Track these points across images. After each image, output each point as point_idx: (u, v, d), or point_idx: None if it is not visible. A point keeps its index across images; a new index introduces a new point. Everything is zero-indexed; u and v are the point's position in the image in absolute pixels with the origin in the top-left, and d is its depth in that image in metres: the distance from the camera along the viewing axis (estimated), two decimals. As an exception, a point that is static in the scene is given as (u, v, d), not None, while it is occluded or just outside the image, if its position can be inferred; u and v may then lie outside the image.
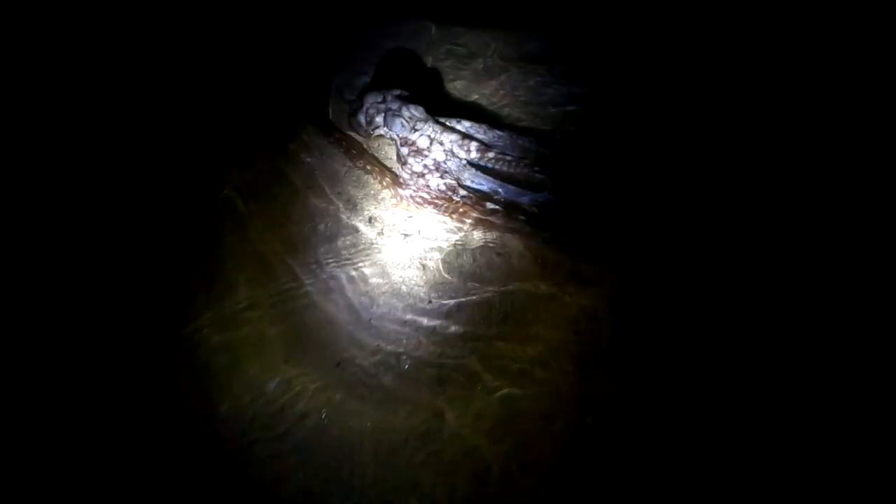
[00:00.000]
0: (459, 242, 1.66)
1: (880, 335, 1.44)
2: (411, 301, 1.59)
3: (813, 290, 1.51)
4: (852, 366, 1.41)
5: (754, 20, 2.01)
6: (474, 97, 1.94)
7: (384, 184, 1.77)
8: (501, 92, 1.93)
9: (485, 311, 1.55)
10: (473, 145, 1.71)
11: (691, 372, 1.43)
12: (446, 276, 1.62)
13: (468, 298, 1.57)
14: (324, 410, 1.45)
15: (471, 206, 1.68)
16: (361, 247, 1.68)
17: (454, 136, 1.71)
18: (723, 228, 1.62)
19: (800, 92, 1.85)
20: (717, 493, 1.32)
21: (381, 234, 1.70)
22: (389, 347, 1.52)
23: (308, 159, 1.84)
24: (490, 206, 1.66)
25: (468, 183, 1.69)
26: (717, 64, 1.93)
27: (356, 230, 1.71)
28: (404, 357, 1.51)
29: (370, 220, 1.72)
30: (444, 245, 1.66)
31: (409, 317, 1.57)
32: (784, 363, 1.43)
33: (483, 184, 1.68)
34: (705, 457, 1.35)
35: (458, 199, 1.69)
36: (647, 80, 1.92)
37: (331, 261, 1.66)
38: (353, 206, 1.75)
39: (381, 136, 1.77)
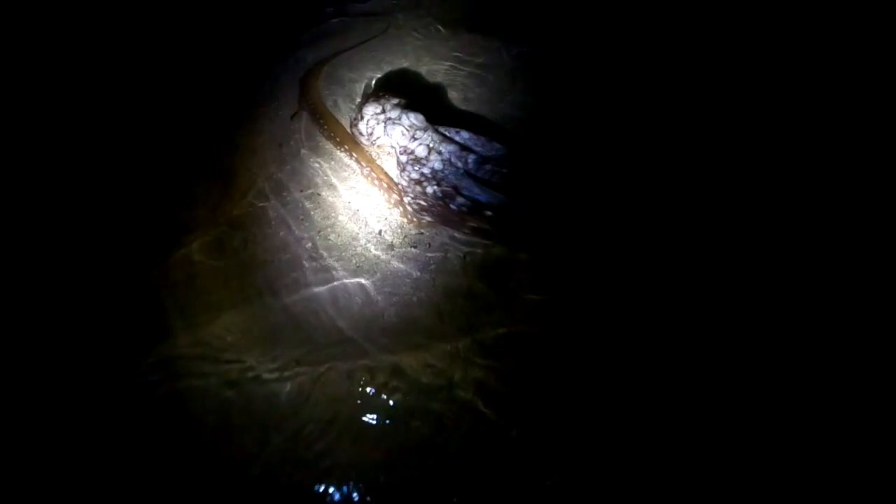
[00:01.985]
0: (465, 254, 1.71)
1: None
2: (422, 313, 1.61)
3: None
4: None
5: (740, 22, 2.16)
6: (474, 105, 1.99)
7: (385, 191, 1.79)
8: (500, 101, 1.99)
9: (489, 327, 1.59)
10: (471, 157, 1.75)
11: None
12: (454, 287, 1.65)
13: (475, 309, 1.61)
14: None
15: (467, 215, 1.70)
16: (372, 258, 1.70)
17: (453, 147, 1.75)
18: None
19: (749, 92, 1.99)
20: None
21: (391, 246, 1.72)
22: (408, 361, 1.53)
23: (315, 164, 1.86)
24: (487, 215, 1.70)
25: (465, 192, 1.73)
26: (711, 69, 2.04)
27: (366, 240, 1.73)
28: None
29: (380, 232, 1.75)
30: (452, 258, 1.70)
31: (420, 328, 1.59)
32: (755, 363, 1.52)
33: (479, 194, 1.73)
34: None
35: (455, 208, 1.71)
36: (644, 86, 2.01)
37: (342, 275, 1.67)
38: (362, 215, 1.78)
39: (382, 145, 1.81)
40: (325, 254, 1.70)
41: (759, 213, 1.74)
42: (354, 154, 1.84)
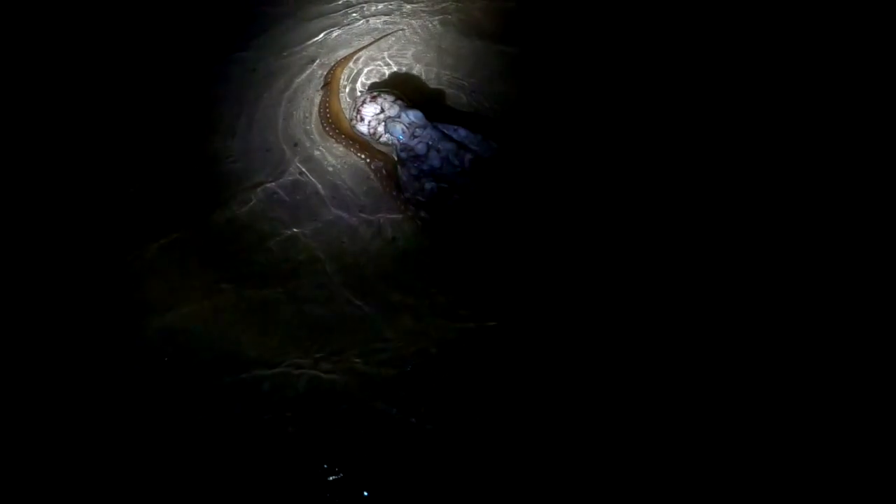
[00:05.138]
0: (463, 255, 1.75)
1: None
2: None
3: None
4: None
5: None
6: (471, 103, 2.02)
7: (388, 188, 1.84)
8: (498, 100, 2.01)
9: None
10: (468, 156, 1.79)
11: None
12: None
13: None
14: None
15: (462, 213, 1.75)
16: (382, 264, 1.75)
17: (451, 145, 1.80)
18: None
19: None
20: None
21: (402, 251, 1.77)
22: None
23: (330, 167, 1.92)
24: (479, 214, 1.75)
25: (461, 190, 1.77)
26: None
27: (379, 244, 1.79)
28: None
29: (393, 239, 1.79)
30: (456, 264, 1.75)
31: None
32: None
33: (474, 193, 1.76)
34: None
35: (451, 205, 1.76)
36: (644, 84, 1.99)
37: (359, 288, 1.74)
38: (375, 219, 1.83)
39: (386, 143, 1.87)
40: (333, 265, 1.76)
41: (755, 213, 1.73)
42: (367, 155, 1.89)
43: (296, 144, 1.95)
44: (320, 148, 1.95)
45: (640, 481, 1.38)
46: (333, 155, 1.93)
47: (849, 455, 1.37)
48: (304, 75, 2.11)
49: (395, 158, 1.84)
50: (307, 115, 2.02)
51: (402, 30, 2.19)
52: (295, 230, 1.80)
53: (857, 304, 1.55)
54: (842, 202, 1.72)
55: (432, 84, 2.06)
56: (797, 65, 1.99)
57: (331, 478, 1.41)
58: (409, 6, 2.23)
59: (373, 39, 2.14)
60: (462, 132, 1.82)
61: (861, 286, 1.58)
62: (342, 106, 1.98)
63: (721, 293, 1.60)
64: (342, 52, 2.12)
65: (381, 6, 2.25)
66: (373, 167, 1.87)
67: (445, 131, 1.82)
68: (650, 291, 1.62)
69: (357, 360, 1.57)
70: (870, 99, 1.88)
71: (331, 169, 1.91)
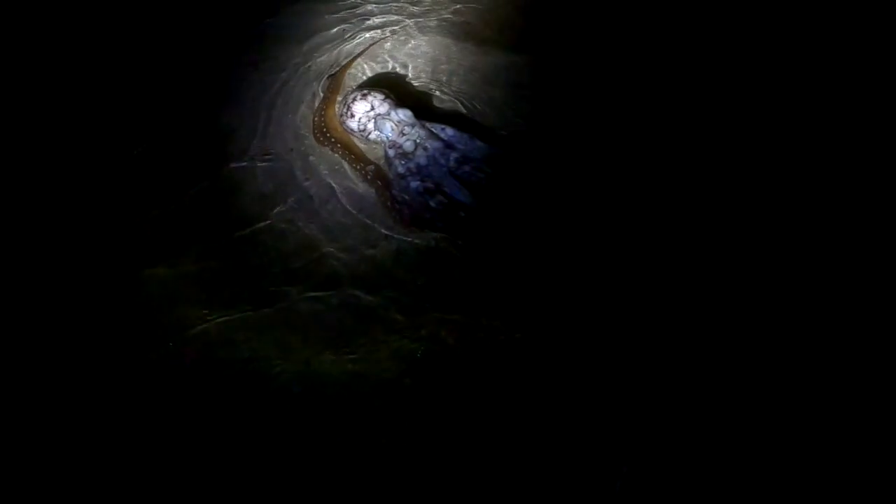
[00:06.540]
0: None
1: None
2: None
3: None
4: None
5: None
6: (459, 104, 2.05)
7: (382, 192, 1.86)
8: (486, 100, 2.05)
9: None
10: (454, 155, 1.83)
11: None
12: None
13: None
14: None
15: (442, 213, 1.78)
16: (376, 263, 1.77)
17: (438, 144, 1.84)
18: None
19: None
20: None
21: (398, 252, 1.78)
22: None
23: (326, 170, 1.94)
24: (461, 216, 1.78)
25: (446, 190, 1.80)
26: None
27: (375, 244, 1.81)
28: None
29: (386, 237, 1.81)
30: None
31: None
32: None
33: (458, 193, 1.80)
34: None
35: (434, 205, 1.78)
36: (636, 86, 2.03)
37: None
38: (372, 220, 1.85)
39: (375, 140, 1.90)
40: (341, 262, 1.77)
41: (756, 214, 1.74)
42: (362, 161, 1.92)
43: (291, 149, 1.98)
44: (316, 152, 1.98)
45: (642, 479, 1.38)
46: (328, 159, 1.96)
47: (849, 455, 1.36)
48: (303, 82, 2.15)
49: (384, 156, 1.86)
50: (304, 120, 2.05)
51: (399, 33, 2.23)
52: (291, 231, 1.81)
53: (857, 304, 1.56)
54: (842, 202, 1.73)
55: (423, 85, 2.10)
56: (797, 65, 2.02)
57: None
58: (410, 21, 2.28)
59: (370, 44, 2.19)
60: (449, 131, 1.86)
61: (861, 286, 1.59)
62: (336, 112, 2.02)
63: (722, 293, 1.62)
64: (342, 61, 2.16)
65: (383, 19, 2.30)
66: (368, 174, 1.89)
67: (433, 130, 1.86)
68: (650, 291, 1.64)
69: (351, 356, 1.58)
70: (870, 99, 1.91)
71: (326, 172, 1.93)
